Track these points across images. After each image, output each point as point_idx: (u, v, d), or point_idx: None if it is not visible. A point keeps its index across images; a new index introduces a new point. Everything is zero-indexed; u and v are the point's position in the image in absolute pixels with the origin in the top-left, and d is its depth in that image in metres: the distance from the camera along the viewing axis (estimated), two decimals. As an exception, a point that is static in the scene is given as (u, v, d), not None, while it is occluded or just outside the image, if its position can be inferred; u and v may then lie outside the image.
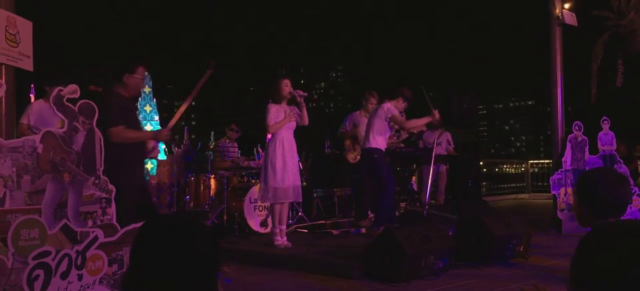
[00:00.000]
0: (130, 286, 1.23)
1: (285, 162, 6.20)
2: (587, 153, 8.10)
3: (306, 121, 6.37)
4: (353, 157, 7.81)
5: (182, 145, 9.58)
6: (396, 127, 7.18)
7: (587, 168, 7.80)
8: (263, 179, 6.33)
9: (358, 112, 7.96)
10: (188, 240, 1.22)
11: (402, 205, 8.99)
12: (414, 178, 10.03)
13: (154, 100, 10.05)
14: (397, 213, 8.19)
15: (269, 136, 6.61)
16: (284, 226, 6.46)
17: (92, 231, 3.43)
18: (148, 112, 9.90)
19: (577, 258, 1.29)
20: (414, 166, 9.73)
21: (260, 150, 10.87)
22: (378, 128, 6.88)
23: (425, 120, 7.06)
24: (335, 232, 7.35)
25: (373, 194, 7.43)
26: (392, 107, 6.92)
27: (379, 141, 6.88)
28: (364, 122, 7.80)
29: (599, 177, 2.20)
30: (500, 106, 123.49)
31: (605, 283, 1.15)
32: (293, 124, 6.34)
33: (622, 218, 2.20)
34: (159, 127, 10.18)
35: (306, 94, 6.39)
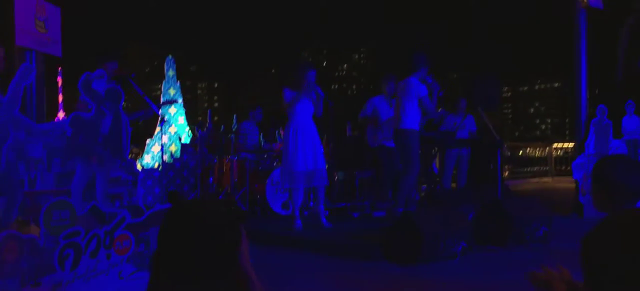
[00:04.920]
0: (156, 264, 1.34)
1: (297, 147, 6.24)
2: (611, 137, 8.02)
3: (319, 113, 6.45)
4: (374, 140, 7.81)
5: (205, 128, 9.74)
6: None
7: (610, 153, 7.73)
8: (282, 162, 6.47)
9: (378, 97, 7.95)
10: (209, 228, 1.32)
11: (423, 188, 9.01)
12: (435, 161, 10.04)
13: (178, 82, 10.19)
14: (418, 197, 8.24)
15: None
16: (322, 207, 6.46)
17: (120, 212, 3.56)
18: (172, 94, 10.04)
19: (590, 245, 1.31)
20: (436, 149, 9.74)
21: (281, 132, 11.00)
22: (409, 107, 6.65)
23: None
24: (355, 215, 7.43)
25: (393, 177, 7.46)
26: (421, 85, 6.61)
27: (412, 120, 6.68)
28: (384, 107, 7.79)
29: (615, 164, 2.23)
30: (526, 88, 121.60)
31: (617, 271, 1.18)
32: (310, 109, 6.39)
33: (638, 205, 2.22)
34: (182, 109, 10.34)
35: (324, 95, 6.44)
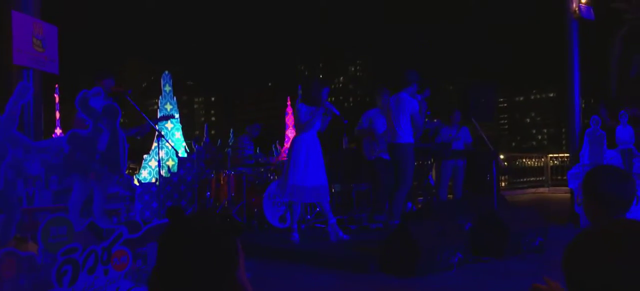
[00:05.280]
0: (155, 279, 1.37)
1: (307, 163, 6.28)
2: (605, 147, 8.07)
3: (323, 129, 6.53)
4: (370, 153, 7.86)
5: (202, 143, 9.77)
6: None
7: (604, 163, 7.78)
8: (284, 175, 6.46)
9: (373, 110, 8.00)
10: (206, 242, 1.35)
11: (420, 200, 9.05)
12: (431, 173, 10.08)
13: (174, 98, 10.24)
14: (415, 208, 8.26)
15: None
16: (334, 220, 6.50)
17: (117, 228, 3.58)
18: (169, 110, 10.08)
19: (573, 255, 1.32)
20: (432, 161, 9.78)
21: (278, 146, 11.04)
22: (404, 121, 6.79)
23: None
24: (352, 227, 7.45)
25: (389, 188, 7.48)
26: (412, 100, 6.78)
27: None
28: (380, 120, 7.84)
29: (603, 174, 2.26)
30: (521, 98, 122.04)
31: (599, 282, 1.19)
32: (318, 125, 6.47)
33: (628, 215, 2.26)
34: (179, 125, 10.37)
35: (338, 113, 6.54)
